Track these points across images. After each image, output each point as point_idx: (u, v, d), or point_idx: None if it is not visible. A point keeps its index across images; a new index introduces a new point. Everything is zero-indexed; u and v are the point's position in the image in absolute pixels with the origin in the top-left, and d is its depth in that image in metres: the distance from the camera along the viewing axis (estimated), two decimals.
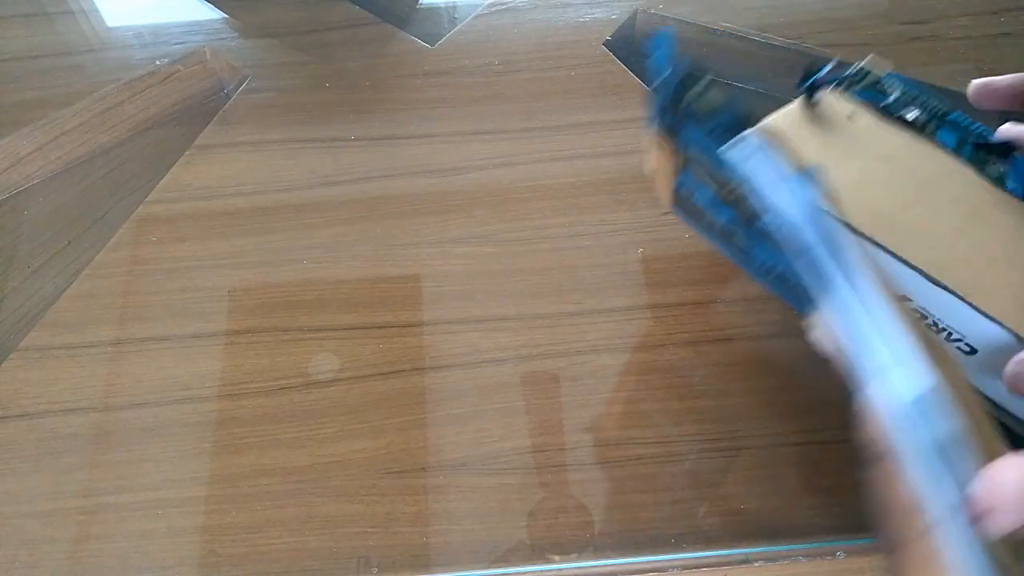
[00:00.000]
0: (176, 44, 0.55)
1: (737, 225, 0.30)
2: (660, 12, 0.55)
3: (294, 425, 0.40)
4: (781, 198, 0.23)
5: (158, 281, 0.45)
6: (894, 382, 0.22)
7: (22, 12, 0.57)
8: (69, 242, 0.48)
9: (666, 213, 0.46)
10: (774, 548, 0.36)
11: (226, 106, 0.52)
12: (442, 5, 0.59)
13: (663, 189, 0.35)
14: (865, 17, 0.54)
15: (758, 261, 0.30)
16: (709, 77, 0.26)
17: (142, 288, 0.45)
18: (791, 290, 0.28)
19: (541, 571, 0.36)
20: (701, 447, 0.39)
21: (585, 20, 0.55)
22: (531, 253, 0.45)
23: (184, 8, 0.57)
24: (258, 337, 0.43)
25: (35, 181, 0.51)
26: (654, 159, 0.35)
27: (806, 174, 0.23)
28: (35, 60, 0.54)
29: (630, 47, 0.56)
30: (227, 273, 0.45)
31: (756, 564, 0.35)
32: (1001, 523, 0.20)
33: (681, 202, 0.35)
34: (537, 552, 0.36)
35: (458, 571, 0.36)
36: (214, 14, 0.57)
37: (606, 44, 0.54)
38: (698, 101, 0.26)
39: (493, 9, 0.56)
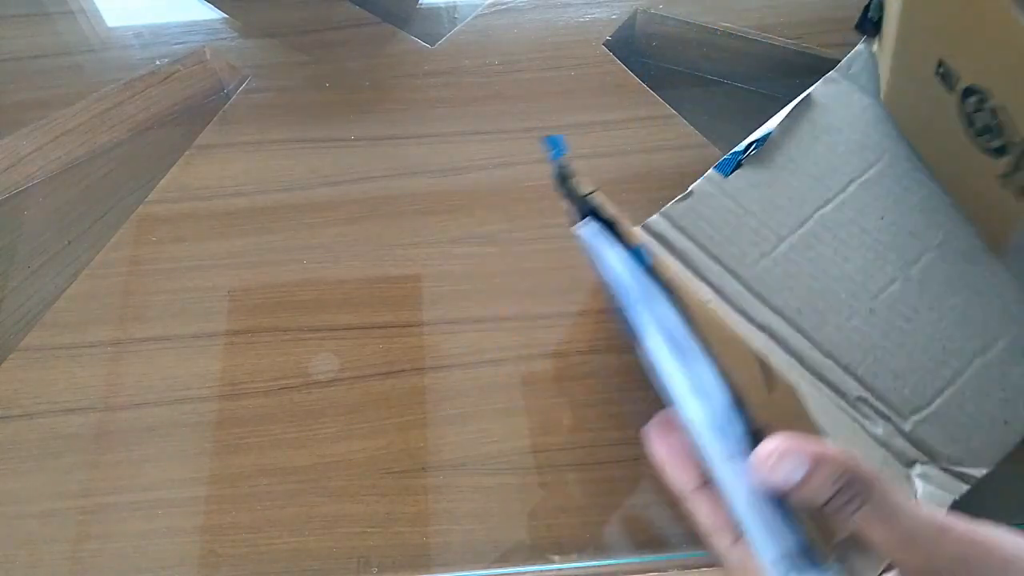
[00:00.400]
0: (176, 44, 0.55)
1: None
2: (660, 12, 0.55)
3: (294, 425, 0.40)
4: (613, 267, 0.28)
5: (158, 281, 0.45)
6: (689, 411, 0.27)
7: (22, 12, 0.57)
8: (69, 242, 0.48)
9: None
10: None
11: (226, 106, 0.52)
12: (442, 5, 0.59)
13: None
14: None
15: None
16: (575, 178, 0.31)
17: (142, 288, 0.45)
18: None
19: (541, 571, 0.36)
20: None
21: (585, 20, 0.55)
22: (531, 253, 0.45)
23: (184, 8, 0.57)
24: (258, 337, 0.43)
25: (35, 181, 0.51)
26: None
27: (633, 250, 0.28)
28: (35, 60, 0.54)
29: (630, 47, 0.56)
30: (227, 273, 0.45)
31: None
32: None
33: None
34: (537, 552, 0.36)
35: (458, 571, 0.36)
36: (214, 14, 0.57)
37: (606, 44, 0.54)
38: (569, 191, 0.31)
39: (493, 9, 0.56)
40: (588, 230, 0.30)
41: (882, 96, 0.42)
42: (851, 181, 0.41)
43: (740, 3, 0.55)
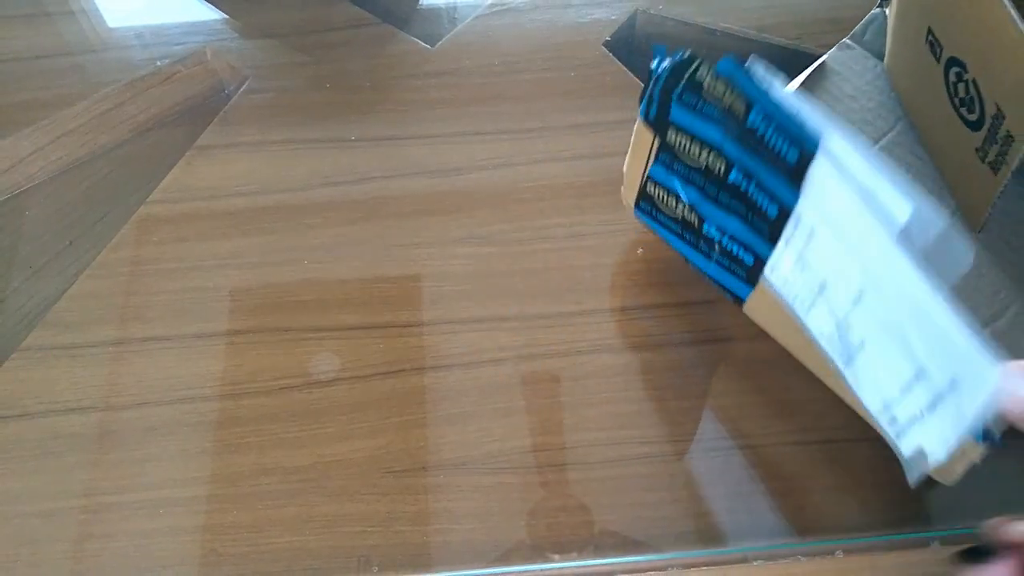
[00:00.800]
0: (177, 45, 0.55)
1: (697, 202, 0.35)
2: (660, 12, 0.55)
3: (295, 425, 0.40)
4: (789, 104, 0.29)
5: (159, 281, 0.45)
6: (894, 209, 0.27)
7: (23, 12, 0.57)
8: (70, 242, 0.48)
9: None
10: (773, 547, 0.36)
11: (227, 107, 0.52)
12: (442, 6, 0.60)
13: (632, 188, 0.40)
14: (864, 17, 0.54)
15: (709, 235, 0.36)
16: (699, 60, 0.32)
17: (143, 288, 0.45)
18: (732, 262, 0.35)
19: (541, 571, 0.36)
20: (701, 447, 0.39)
21: (585, 21, 0.56)
22: (531, 253, 0.45)
23: (185, 8, 0.58)
24: (259, 337, 0.43)
25: (36, 182, 0.51)
26: (632, 158, 0.39)
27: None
28: (36, 60, 0.55)
29: (630, 47, 0.56)
30: (228, 273, 0.45)
31: (755, 563, 0.35)
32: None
33: (647, 198, 0.39)
34: (537, 552, 0.36)
35: (458, 571, 0.36)
36: (215, 14, 0.57)
37: (606, 45, 0.54)
38: (690, 81, 0.32)
39: (493, 10, 0.56)
40: (758, 69, 0.30)
41: (885, 61, 0.42)
42: (874, 142, 0.40)
43: (740, 3, 0.55)
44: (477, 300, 0.44)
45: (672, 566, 0.36)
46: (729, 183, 0.33)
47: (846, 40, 0.43)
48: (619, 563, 0.36)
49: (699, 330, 0.42)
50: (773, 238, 0.33)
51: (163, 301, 0.44)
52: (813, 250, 0.30)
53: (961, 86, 0.34)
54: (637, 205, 0.41)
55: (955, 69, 0.34)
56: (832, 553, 0.35)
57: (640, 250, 0.45)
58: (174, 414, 0.41)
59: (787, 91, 0.30)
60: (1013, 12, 0.29)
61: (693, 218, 0.37)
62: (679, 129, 0.35)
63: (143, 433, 0.40)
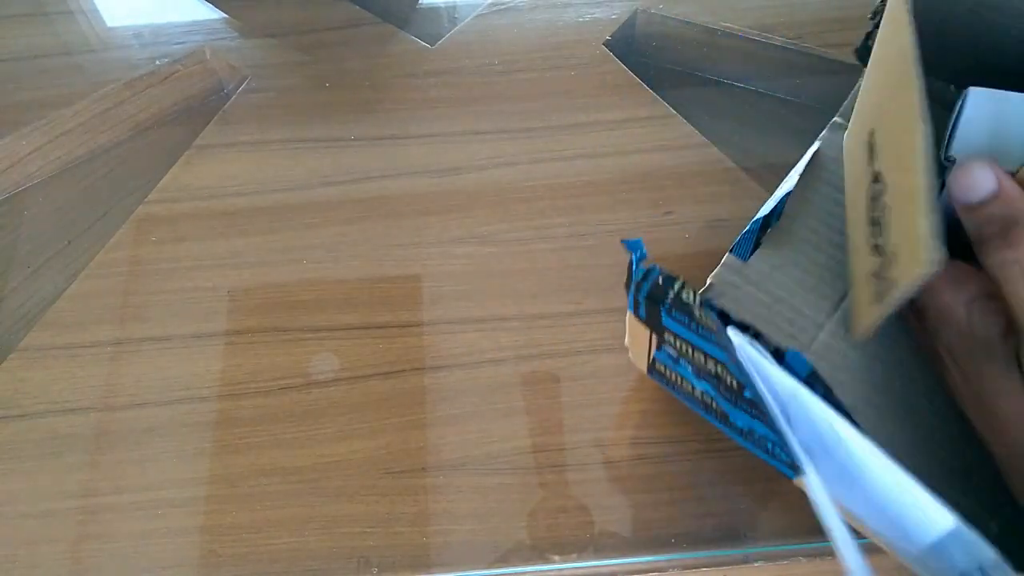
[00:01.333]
0: (176, 44, 0.55)
1: (714, 396, 0.32)
2: (660, 12, 0.55)
3: (294, 425, 0.40)
4: (765, 382, 0.27)
5: (158, 281, 0.45)
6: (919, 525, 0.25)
7: (22, 12, 0.57)
8: (69, 242, 0.48)
9: (667, 213, 0.46)
10: (774, 548, 0.36)
11: (226, 106, 0.52)
12: (442, 5, 0.59)
13: (639, 359, 0.38)
14: (865, 17, 0.54)
15: (737, 426, 0.33)
16: (681, 281, 0.29)
17: (142, 288, 0.45)
18: (769, 453, 0.31)
19: (541, 571, 0.36)
20: (701, 447, 0.39)
21: (585, 20, 0.55)
22: (531, 253, 0.45)
23: (184, 8, 0.57)
24: (258, 337, 0.43)
25: (35, 181, 0.51)
26: (630, 336, 0.37)
27: (787, 360, 0.27)
28: (35, 60, 0.54)
29: (630, 47, 0.56)
30: (227, 273, 0.45)
31: (756, 564, 0.35)
32: None
33: (657, 371, 0.37)
34: (537, 552, 0.36)
35: (458, 571, 0.36)
36: (214, 14, 0.57)
37: (606, 44, 0.54)
38: (676, 301, 0.29)
39: (493, 9, 0.56)
40: (738, 339, 0.28)
41: (844, 136, 0.38)
42: None
43: (740, 3, 0.55)
44: (477, 300, 0.44)
45: (673, 567, 0.35)
46: (747, 397, 0.30)
47: (836, 119, 0.39)
48: (619, 564, 0.36)
49: None
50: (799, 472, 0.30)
51: (162, 301, 0.44)
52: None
53: (878, 205, 0.31)
54: (651, 371, 0.37)
55: (876, 186, 0.31)
56: (833, 554, 0.35)
57: None
58: (173, 414, 0.40)
59: (774, 378, 0.27)
60: (923, 162, 0.25)
61: (716, 406, 0.33)
62: (677, 335, 0.31)
63: (142, 434, 0.40)
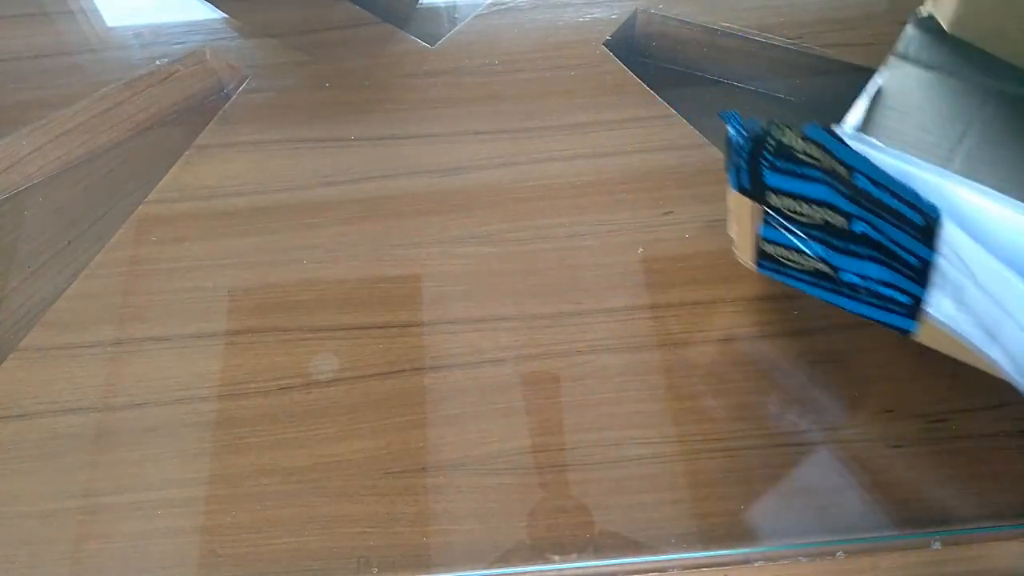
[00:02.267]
0: (176, 44, 0.55)
1: (825, 254, 0.34)
2: (660, 12, 0.55)
3: (294, 425, 0.40)
4: (900, 189, 0.28)
5: (158, 281, 0.45)
6: None
7: (22, 12, 0.57)
8: (69, 242, 0.48)
9: (667, 213, 0.46)
10: (774, 548, 0.36)
11: (226, 106, 0.52)
12: (442, 5, 0.59)
13: (746, 250, 0.39)
14: (865, 17, 0.54)
15: (851, 281, 0.34)
16: (776, 123, 0.32)
17: (142, 288, 0.45)
18: (885, 301, 0.33)
19: (541, 571, 0.36)
20: (701, 447, 0.39)
21: (585, 20, 0.55)
22: (531, 253, 0.45)
23: (184, 8, 0.57)
24: (258, 337, 0.43)
25: (35, 181, 0.51)
26: (736, 224, 0.38)
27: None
28: (35, 60, 0.54)
29: (630, 47, 0.56)
30: (227, 273, 0.45)
31: (756, 564, 0.35)
32: None
33: (766, 256, 0.38)
34: (537, 552, 0.36)
35: (458, 571, 0.36)
36: (214, 14, 0.57)
37: (606, 44, 0.54)
38: (778, 146, 0.31)
39: (493, 9, 0.56)
40: (868, 146, 0.30)
41: (953, 27, 0.41)
42: (951, 151, 0.39)
43: (740, 3, 0.55)
44: (477, 300, 0.44)
45: (673, 567, 0.35)
46: (857, 234, 0.32)
47: (891, 59, 0.42)
48: (619, 564, 0.36)
49: (699, 330, 0.42)
50: (922, 283, 0.31)
51: (162, 301, 0.44)
52: (970, 296, 0.30)
53: None
54: (758, 264, 0.40)
55: None
56: (833, 554, 0.35)
57: (640, 250, 0.45)
58: (173, 414, 0.40)
59: (885, 156, 0.29)
60: None
61: (827, 269, 0.35)
62: (781, 193, 0.33)
63: (142, 434, 0.40)
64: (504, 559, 0.36)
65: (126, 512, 0.38)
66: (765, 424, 0.39)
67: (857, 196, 0.30)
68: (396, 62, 0.54)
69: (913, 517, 0.36)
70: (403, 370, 0.41)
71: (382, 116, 0.51)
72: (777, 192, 0.33)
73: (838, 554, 0.35)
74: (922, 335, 0.35)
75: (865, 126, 0.40)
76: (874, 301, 0.35)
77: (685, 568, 0.35)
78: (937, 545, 0.35)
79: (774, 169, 0.32)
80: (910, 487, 0.37)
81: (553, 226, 0.46)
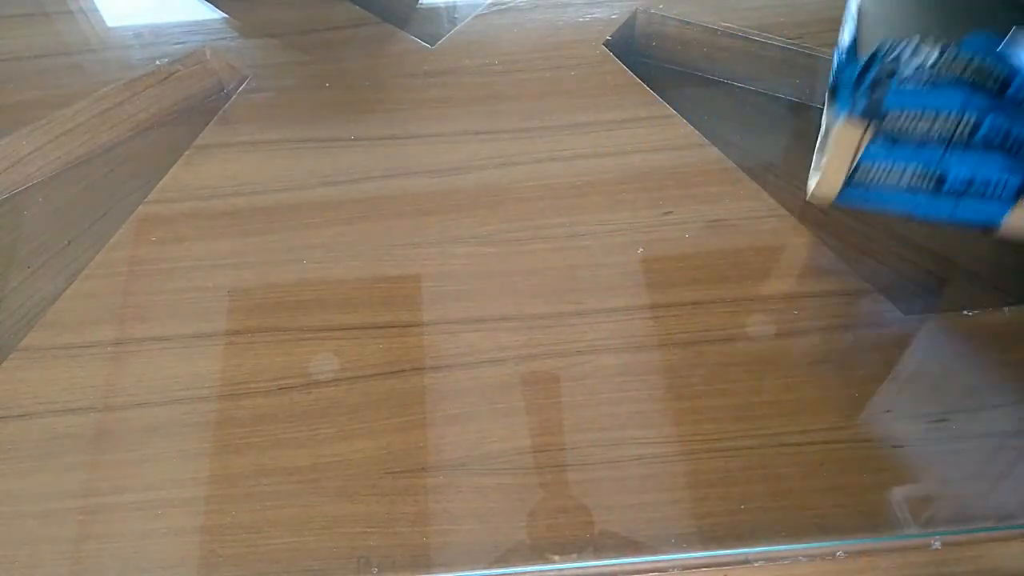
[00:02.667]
0: (176, 44, 0.55)
1: (937, 162, 0.38)
2: (660, 12, 0.55)
3: (294, 425, 0.40)
4: None
5: (158, 281, 0.45)
6: None
7: (22, 12, 0.57)
8: (69, 242, 0.48)
9: (667, 213, 0.46)
10: (774, 548, 0.36)
11: (226, 106, 0.52)
12: (442, 5, 0.60)
13: (832, 182, 0.43)
14: None
15: (963, 180, 0.38)
16: (888, 42, 0.35)
17: (142, 288, 0.45)
18: (994, 189, 0.38)
19: (541, 571, 0.36)
20: (701, 447, 0.39)
21: (585, 20, 0.56)
22: (531, 253, 0.45)
23: (184, 8, 0.57)
24: (258, 337, 0.43)
25: (35, 181, 0.51)
26: (831, 151, 0.41)
27: None
28: (35, 60, 0.54)
29: (630, 47, 0.56)
30: (227, 273, 0.45)
31: (756, 564, 0.35)
32: None
33: (858, 182, 0.42)
34: (537, 552, 0.36)
35: (458, 571, 0.36)
36: (214, 14, 0.57)
37: (606, 44, 0.54)
38: (911, 60, 0.35)
39: (493, 9, 0.56)
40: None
41: None
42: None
43: (740, 3, 0.55)
44: (477, 300, 0.44)
45: (673, 567, 0.35)
46: (977, 139, 0.35)
47: None
48: (619, 564, 0.36)
49: (699, 330, 0.42)
50: None
51: (162, 301, 0.44)
52: None
53: None
54: (841, 194, 0.43)
55: None
56: (833, 554, 0.35)
57: (640, 250, 0.45)
58: (173, 414, 0.40)
59: None
60: None
61: (933, 179, 0.39)
62: (901, 112, 0.36)
63: (142, 434, 0.40)
64: (504, 559, 0.36)
65: (126, 512, 0.38)
66: (765, 424, 0.39)
67: (1006, 104, 0.33)
68: (396, 62, 0.54)
69: (913, 517, 0.36)
70: (403, 370, 0.41)
71: (382, 116, 0.51)
72: (898, 113, 0.37)
73: (838, 554, 0.35)
74: (1013, 220, 0.39)
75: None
76: (973, 200, 0.39)
77: (685, 568, 0.35)
78: (937, 545, 0.35)
79: (900, 89, 0.35)
80: (910, 487, 0.37)
81: (553, 226, 0.46)
